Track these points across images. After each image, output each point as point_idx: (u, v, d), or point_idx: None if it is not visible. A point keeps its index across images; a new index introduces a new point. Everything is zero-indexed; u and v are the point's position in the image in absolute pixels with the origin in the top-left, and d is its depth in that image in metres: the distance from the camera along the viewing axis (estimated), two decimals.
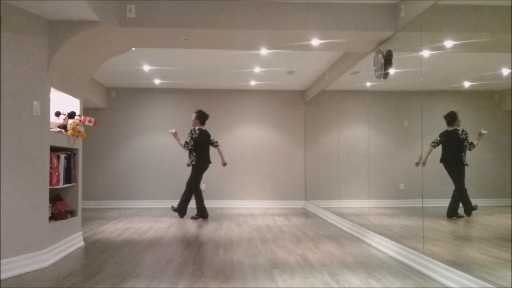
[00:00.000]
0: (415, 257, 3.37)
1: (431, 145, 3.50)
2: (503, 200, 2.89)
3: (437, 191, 3.51)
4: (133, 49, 5.09)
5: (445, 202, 3.48)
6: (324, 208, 6.53)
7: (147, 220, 6.13)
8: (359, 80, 5.20)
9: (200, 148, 6.23)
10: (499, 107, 2.97)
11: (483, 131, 3.11)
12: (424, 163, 3.46)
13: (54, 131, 3.70)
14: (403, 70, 4.03)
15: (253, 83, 7.58)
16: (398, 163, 4.33)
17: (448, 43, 3.36)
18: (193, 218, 6.22)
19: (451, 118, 3.39)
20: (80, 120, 4.06)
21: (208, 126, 8.21)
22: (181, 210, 6.30)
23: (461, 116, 3.33)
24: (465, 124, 3.29)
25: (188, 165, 6.28)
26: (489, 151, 3.13)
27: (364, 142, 4.75)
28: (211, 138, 6.37)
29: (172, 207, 6.51)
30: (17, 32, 3.26)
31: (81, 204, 4.31)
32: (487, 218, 3.19)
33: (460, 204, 3.36)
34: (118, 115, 8.08)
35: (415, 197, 3.66)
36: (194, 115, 6.36)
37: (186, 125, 8.01)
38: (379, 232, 4.21)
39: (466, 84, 3.28)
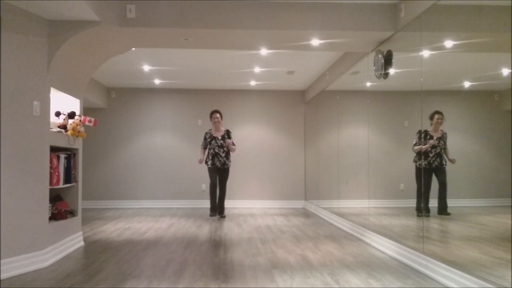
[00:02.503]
0: (415, 257, 3.37)
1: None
2: (503, 200, 2.89)
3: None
4: (133, 49, 5.09)
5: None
6: (324, 208, 6.52)
7: (147, 220, 6.13)
8: (359, 80, 5.20)
9: None
10: (499, 107, 2.97)
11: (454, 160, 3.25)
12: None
13: (54, 131, 3.70)
14: (403, 70, 4.03)
15: (253, 83, 7.58)
16: (398, 163, 4.32)
17: (448, 43, 3.36)
18: (218, 216, 6.37)
19: None
20: (80, 120, 4.06)
21: (208, 126, 8.21)
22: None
23: (460, 116, 3.33)
24: (465, 124, 3.29)
25: (226, 166, 6.27)
26: (489, 151, 3.13)
27: (364, 142, 4.75)
28: None
29: (220, 215, 6.39)
30: (17, 32, 3.26)
31: (81, 204, 4.31)
32: (487, 218, 3.19)
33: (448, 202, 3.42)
34: (118, 115, 8.08)
35: (415, 197, 3.66)
36: (219, 115, 6.27)
37: (185, 125, 8.03)
38: (379, 232, 4.21)
39: (466, 84, 3.28)
